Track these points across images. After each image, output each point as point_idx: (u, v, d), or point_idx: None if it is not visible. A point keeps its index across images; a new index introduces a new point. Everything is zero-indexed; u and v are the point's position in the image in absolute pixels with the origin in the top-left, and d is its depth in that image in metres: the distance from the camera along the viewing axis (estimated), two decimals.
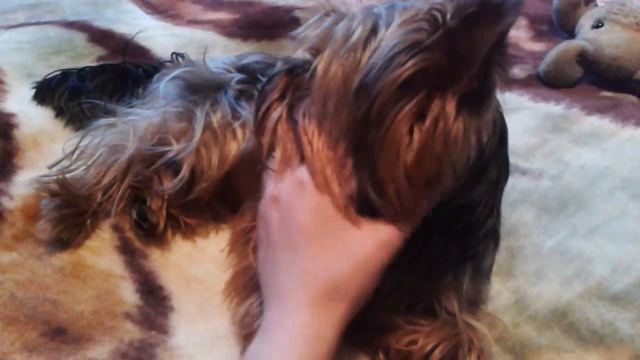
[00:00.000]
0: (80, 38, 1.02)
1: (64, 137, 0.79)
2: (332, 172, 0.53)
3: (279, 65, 0.62)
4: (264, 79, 0.62)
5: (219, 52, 1.05)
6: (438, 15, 0.47)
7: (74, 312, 0.63)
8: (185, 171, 0.71)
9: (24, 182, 0.74)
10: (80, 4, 1.13)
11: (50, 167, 0.74)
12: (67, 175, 0.72)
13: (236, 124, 0.73)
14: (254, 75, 0.77)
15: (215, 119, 0.73)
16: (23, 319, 0.61)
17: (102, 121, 0.77)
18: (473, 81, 0.48)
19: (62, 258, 0.68)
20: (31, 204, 0.72)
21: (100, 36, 1.03)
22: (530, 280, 0.73)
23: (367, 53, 0.50)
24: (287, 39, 1.16)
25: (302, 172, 0.54)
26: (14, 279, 0.65)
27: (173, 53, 0.88)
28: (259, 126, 0.59)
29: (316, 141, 0.54)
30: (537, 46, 1.23)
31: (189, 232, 0.75)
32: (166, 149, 0.71)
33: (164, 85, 0.78)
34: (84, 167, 0.73)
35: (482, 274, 0.66)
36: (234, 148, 0.73)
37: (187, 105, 0.74)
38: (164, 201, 0.72)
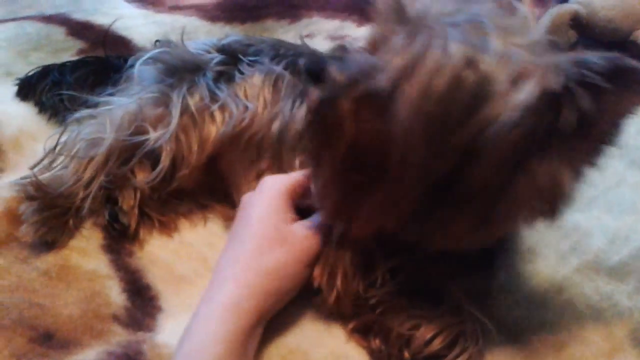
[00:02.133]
0: (58, 32, 1.00)
1: (46, 135, 0.77)
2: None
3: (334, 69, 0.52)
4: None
5: (203, 37, 1.02)
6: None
7: (61, 316, 0.62)
8: (165, 160, 0.70)
9: (5, 186, 0.73)
10: None
11: (32, 167, 0.72)
12: (47, 175, 0.71)
13: (214, 107, 0.71)
14: (235, 56, 0.76)
15: (193, 102, 0.71)
16: (10, 325, 0.60)
17: (79, 114, 0.75)
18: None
19: (48, 260, 0.67)
20: (13, 207, 0.70)
21: (79, 29, 1.00)
22: (525, 257, 0.71)
23: (482, 105, 0.46)
24: (272, 20, 1.13)
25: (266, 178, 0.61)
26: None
27: (157, 41, 0.85)
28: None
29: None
30: (536, 11, 1.19)
31: (165, 230, 0.73)
32: (143, 137, 0.70)
33: (139, 69, 0.75)
34: (62, 164, 0.71)
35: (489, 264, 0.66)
36: (213, 131, 0.71)
37: (163, 89, 0.72)
38: (136, 200, 0.71)
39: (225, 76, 0.74)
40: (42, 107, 0.86)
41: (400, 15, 0.50)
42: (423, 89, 0.46)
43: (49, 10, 1.05)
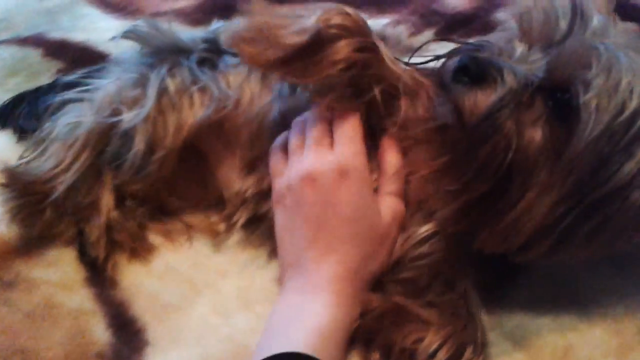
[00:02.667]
0: (34, 55, 0.97)
1: None
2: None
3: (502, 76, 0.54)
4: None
5: None
6: None
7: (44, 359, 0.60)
8: (139, 142, 0.67)
9: None
10: (34, 15, 1.07)
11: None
12: (24, 160, 0.70)
13: (194, 89, 0.68)
14: (219, 46, 0.73)
15: (173, 84, 0.68)
16: None
17: (60, 97, 0.73)
18: None
19: (32, 301, 0.65)
20: None
21: (55, 49, 0.98)
22: None
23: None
24: None
25: (346, 159, 0.60)
26: None
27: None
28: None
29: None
30: None
31: (139, 257, 0.70)
32: (117, 118, 0.67)
33: (121, 52, 0.75)
34: (40, 150, 0.70)
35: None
36: (192, 115, 0.68)
37: (143, 70, 0.70)
38: (102, 230, 0.68)
39: (209, 62, 0.72)
40: (22, 133, 0.84)
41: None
42: (619, 109, 0.49)
43: (26, 32, 1.02)
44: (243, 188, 0.70)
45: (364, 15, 0.61)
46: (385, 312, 0.59)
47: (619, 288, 0.64)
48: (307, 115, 0.65)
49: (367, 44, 0.59)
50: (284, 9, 0.61)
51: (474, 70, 0.54)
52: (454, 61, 0.57)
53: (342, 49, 0.57)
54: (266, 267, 0.69)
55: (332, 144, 0.62)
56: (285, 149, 0.66)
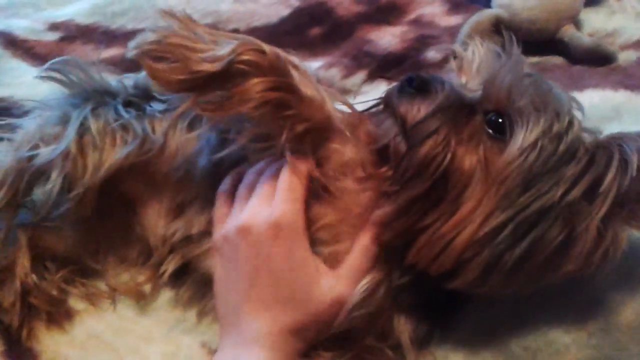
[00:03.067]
0: None
1: None
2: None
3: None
4: None
5: None
6: None
7: None
8: (55, 177, 0.65)
9: None
10: None
11: None
12: None
13: (118, 129, 0.68)
14: (149, 92, 0.73)
15: (95, 123, 0.68)
16: None
17: None
18: None
19: None
20: None
21: None
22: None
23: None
24: None
25: (282, 215, 0.58)
26: None
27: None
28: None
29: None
30: (454, 20, 1.15)
31: (56, 323, 0.68)
32: (33, 152, 0.66)
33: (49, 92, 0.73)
34: None
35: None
36: (113, 153, 0.67)
37: (67, 109, 0.69)
38: (17, 295, 0.66)
39: (135, 106, 0.71)
40: None
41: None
42: (547, 128, 0.55)
43: None
44: (169, 232, 0.69)
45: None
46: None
47: (546, 331, 0.63)
48: (262, 165, 0.64)
49: (282, 84, 0.58)
50: (201, 30, 0.59)
51: (417, 82, 0.59)
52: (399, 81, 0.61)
53: (254, 86, 0.56)
54: (194, 330, 0.68)
55: None
56: (232, 195, 0.65)
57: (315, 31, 1.08)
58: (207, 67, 0.56)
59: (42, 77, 0.75)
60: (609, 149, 0.56)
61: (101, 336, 0.67)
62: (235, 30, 1.05)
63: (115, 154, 0.67)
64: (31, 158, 0.66)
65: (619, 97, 0.89)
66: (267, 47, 0.58)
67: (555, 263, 0.56)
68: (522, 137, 0.54)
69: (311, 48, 1.06)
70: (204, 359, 0.65)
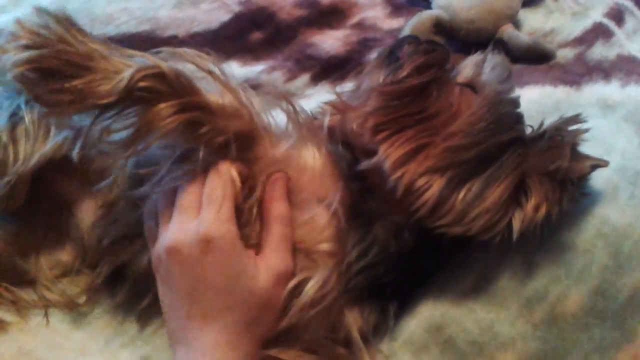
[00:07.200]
0: None
1: None
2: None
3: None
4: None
5: None
6: None
7: None
8: None
9: None
10: None
11: None
12: None
13: (52, 122, 0.65)
14: None
15: (30, 113, 0.65)
16: None
17: None
18: None
19: None
20: None
21: None
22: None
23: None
24: None
25: (210, 227, 0.56)
26: None
27: None
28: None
29: None
30: (396, 22, 1.15)
31: None
32: None
33: None
34: None
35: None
36: (44, 145, 0.65)
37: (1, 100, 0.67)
38: None
39: None
40: None
41: None
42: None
43: None
44: (104, 231, 0.66)
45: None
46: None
47: (491, 325, 0.63)
48: (180, 177, 0.60)
49: (188, 104, 0.56)
50: (99, 46, 0.56)
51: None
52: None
53: (160, 113, 0.55)
54: (132, 343, 0.65)
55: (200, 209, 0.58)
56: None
57: (257, 36, 1.06)
58: (102, 98, 0.53)
59: None
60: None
61: (33, 352, 0.64)
62: (175, 37, 1.03)
63: (51, 146, 0.65)
64: None
65: (558, 92, 0.91)
66: (165, 68, 0.55)
67: None
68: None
69: (253, 52, 1.05)
70: None
